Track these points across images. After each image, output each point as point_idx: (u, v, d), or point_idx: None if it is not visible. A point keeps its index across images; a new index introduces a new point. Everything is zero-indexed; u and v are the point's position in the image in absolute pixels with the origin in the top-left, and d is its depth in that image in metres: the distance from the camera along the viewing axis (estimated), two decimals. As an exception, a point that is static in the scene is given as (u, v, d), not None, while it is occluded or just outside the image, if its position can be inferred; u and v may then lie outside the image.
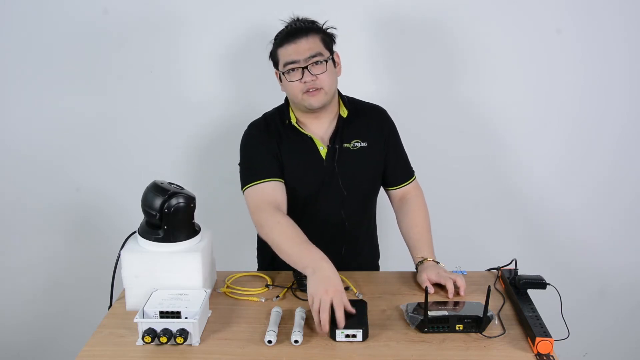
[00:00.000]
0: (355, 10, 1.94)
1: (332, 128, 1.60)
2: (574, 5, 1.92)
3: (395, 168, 1.67)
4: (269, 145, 1.57)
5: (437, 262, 1.52)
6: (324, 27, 1.56)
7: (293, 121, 1.58)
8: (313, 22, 1.55)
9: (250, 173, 1.55)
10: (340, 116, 1.59)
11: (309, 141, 1.58)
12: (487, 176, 2.13)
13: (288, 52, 1.50)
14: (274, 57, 1.56)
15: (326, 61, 1.50)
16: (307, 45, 1.49)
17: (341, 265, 1.55)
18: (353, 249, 1.67)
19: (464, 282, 1.42)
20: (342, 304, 1.23)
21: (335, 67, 1.56)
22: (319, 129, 1.60)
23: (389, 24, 1.97)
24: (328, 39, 1.55)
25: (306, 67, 1.48)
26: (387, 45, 2.00)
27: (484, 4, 1.93)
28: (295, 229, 1.42)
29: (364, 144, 1.60)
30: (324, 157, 1.58)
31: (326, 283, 1.25)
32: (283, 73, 1.52)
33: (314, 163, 1.58)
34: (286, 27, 1.54)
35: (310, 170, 1.58)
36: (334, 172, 1.58)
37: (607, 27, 1.94)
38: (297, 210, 1.61)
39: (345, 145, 1.58)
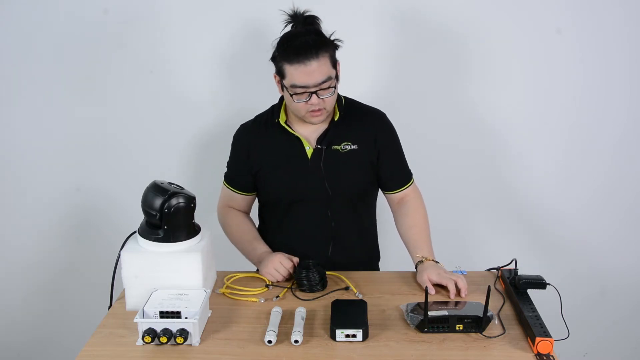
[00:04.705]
0: (356, 10, 1.94)
1: (322, 129, 1.59)
2: (574, 5, 1.92)
3: (392, 173, 1.66)
4: (248, 159, 1.63)
5: (437, 262, 1.52)
6: (331, 37, 1.49)
7: (282, 121, 1.59)
8: (320, 34, 1.48)
9: (229, 175, 1.71)
10: (332, 118, 1.59)
11: (295, 141, 1.59)
12: (487, 176, 2.13)
13: (298, 74, 1.44)
14: (278, 66, 1.49)
15: (335, 86, 1.48)
16: (318, 69, 1.43)
17: (329, 263, 1.56)
18: (341, 248, 1.65)
19: (465, 283, 1.42)
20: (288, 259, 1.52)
21: (338, 81, 1.52)
22: (310, 129, 1.60)
23: (390, 23, 1.97)
24: (334, 53, 1.50)
25: (315, 92, 1.46)
26: (387, 45, 2.00)
27: (484, 4, 1.93)
28: (247, 227, 1.69)
29: (354, 147, 1.59)
30: (309, 157, 1.58)
31: (270, 261, 1.53)
32: (290, 91, 1.47)
33: (298, 163, 1.59)
34: (293, 35, 1.47)
35: (294, 170, 1.59)
36: (320, 172, 1.57)
37: (607, 27, 1.94)
38: (283, 208, 1.64)
39: (334, 147, 1.58)
